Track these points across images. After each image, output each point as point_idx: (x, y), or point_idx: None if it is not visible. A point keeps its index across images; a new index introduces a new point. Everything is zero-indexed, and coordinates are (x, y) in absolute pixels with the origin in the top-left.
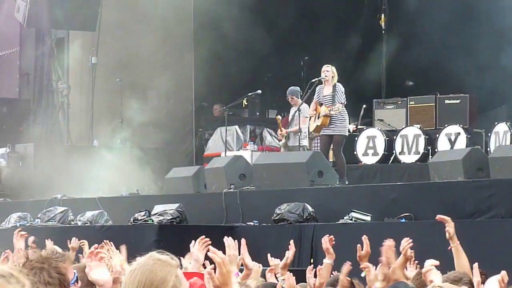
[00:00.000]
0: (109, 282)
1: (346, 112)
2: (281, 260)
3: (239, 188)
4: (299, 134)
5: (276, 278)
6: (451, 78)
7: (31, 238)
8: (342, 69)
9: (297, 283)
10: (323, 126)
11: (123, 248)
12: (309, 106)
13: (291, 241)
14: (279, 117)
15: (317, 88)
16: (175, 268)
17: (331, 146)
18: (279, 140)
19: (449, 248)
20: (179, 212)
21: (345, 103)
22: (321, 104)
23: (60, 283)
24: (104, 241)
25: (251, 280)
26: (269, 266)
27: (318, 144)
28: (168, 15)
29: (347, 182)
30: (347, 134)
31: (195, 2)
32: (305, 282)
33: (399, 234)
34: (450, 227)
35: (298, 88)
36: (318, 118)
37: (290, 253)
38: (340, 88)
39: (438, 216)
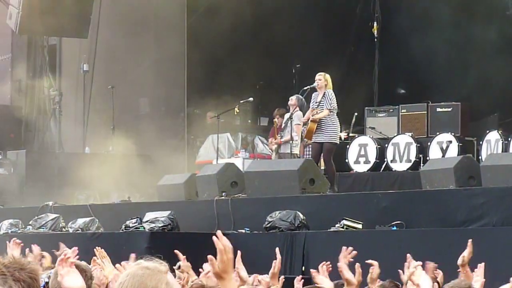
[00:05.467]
0: None
1: (338, 120)
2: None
3: (231, 195)
4: (291, 142)
5: None
6: (442, 86)
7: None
8: (334, 76)
9: None
10: (312, 131)
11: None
12: (302, 113)
13: (277, 249)
14: (276, 120)
15: (313, 95)
16: (164, 274)
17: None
18: (271, 147)
19: (458, 270)
20: (171, 219)
21: (335, 110)
22: (313, 110)
23: (30, 286)
24: (96, 248)
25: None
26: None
27: (310, 152)
28: (161, 22)
29: (337, 190)
30: (338, 142)
31: (188, 10)
32: None
33: (391, 242)
34: (466, 255)
35: (302, 97)
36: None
37: (276, 262)
38: (329, 94)
39: (470, 241)
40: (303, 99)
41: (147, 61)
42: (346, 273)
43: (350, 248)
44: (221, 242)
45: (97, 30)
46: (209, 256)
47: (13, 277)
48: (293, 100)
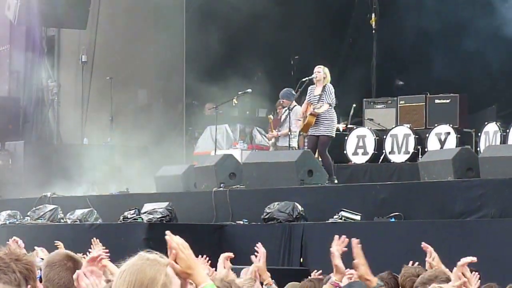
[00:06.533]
0: None
1: (335, 114)
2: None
3: (229, 187)
4: (289, 134)
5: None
6: (441, 78)
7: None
8: (332, 68)
9: (287, 283)
10: (310, 125)
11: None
12: (300, 106)
13: (259, 244)
14: (271, 116)
15: (309, 89)
16: (164, 266)
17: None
18: (269, 139)
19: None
20: (169, 210)
21: (334, 104)
22: (311, 104)
23: (27, 278)
24: (93, 239)
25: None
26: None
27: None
28: (160, 14)
29: (336, 181)
30: (333, 135)
31: (187, 2)
32: (295, 281)
33: (389, 233)
34: (435, 260)
35: (290, 90)
36: (306, 117)
37: (261, 255)
38: (330, 89)
39: (423, 244)
40: (293, 92)
41: (146, 52)
42: (337, 260)
43: (343, 236)
44: (173, 240)
45: (97, 22)
46: (168, 261)
47: (9, 268)
48: (285, 102)
